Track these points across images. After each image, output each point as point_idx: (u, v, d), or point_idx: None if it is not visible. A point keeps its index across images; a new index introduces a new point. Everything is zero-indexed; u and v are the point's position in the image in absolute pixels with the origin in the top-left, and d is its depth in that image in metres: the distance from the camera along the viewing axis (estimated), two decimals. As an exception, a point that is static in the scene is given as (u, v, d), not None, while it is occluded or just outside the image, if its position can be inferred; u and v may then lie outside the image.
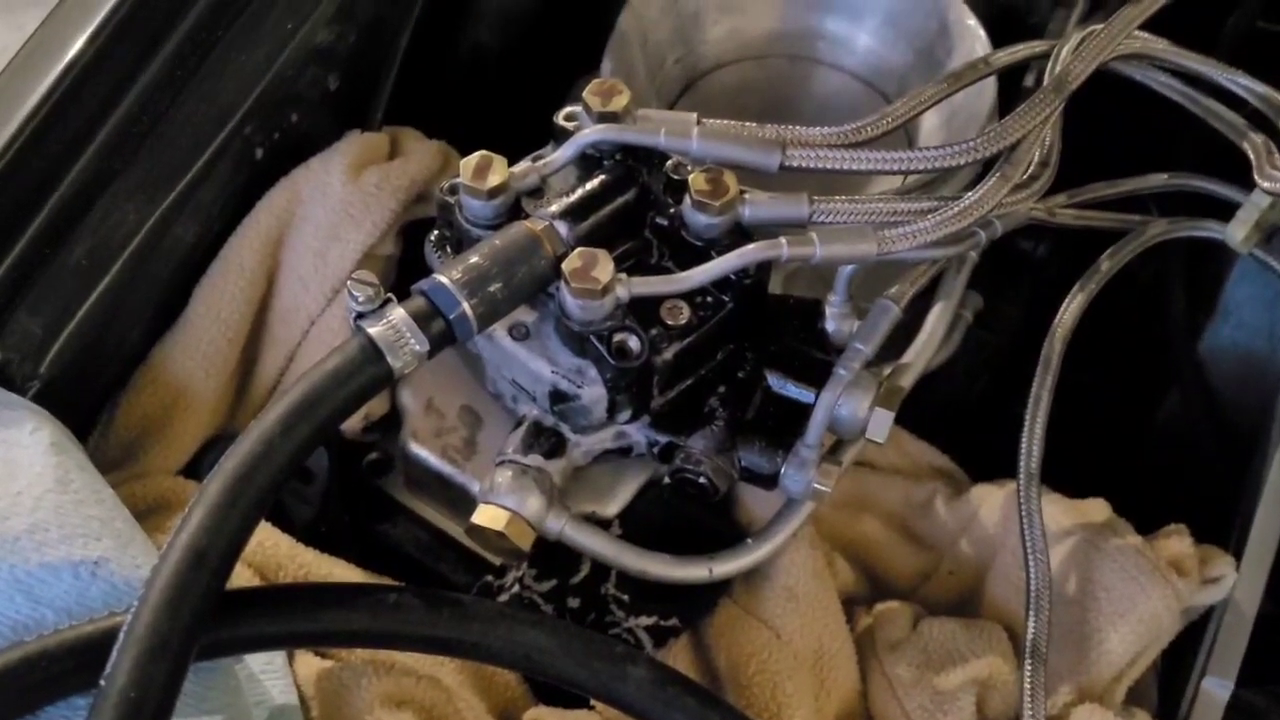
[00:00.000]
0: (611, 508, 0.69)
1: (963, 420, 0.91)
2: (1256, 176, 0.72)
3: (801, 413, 0.66)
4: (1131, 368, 1.02)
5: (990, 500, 0.76)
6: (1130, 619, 0.68)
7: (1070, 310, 0.76)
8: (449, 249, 0.67)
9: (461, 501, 0.70)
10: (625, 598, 0.67)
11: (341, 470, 0.75)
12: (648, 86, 0.90)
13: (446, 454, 0.71)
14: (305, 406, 0.54)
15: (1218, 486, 0.86)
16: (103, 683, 0.48)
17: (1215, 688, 0.69)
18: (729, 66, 0.95)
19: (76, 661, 0.52)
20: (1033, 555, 0.68)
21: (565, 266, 0.60)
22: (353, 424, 0.73)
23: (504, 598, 0.68)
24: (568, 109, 0.70)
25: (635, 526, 0.69)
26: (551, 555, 0.67)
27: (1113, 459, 0.98)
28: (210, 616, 0.51)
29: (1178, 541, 0.71)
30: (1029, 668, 0.65)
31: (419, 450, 0.72)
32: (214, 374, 0.72)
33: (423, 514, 0.76)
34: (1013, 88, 0.84)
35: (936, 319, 0.76)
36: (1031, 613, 0.67)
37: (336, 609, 0.56)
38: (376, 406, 0.73)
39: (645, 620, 0.67)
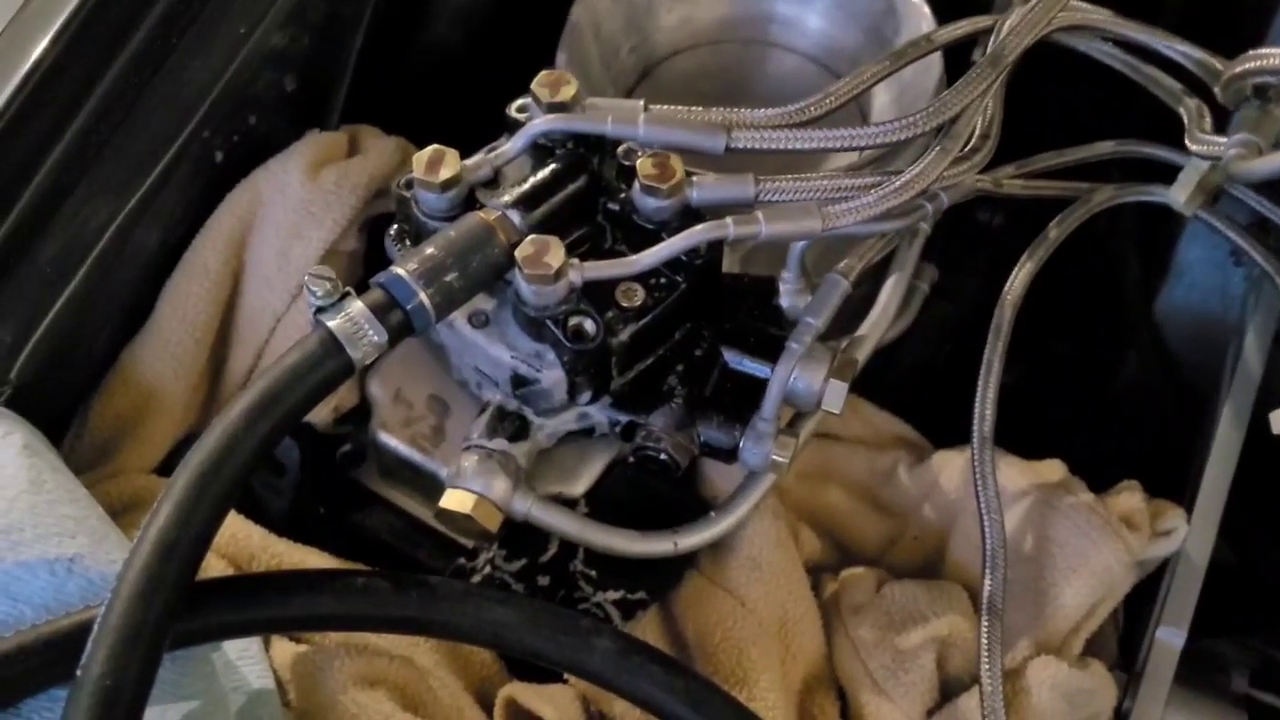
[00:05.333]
0: (578, 488, 0.71)
1: (928, 390, 0.93)
2: (1187, 140, 0.74)
3: (759, 388, 0.68)
4: (1090, 333, 1.04)
5: (951, 466, 0.78)
6: (1083, 573, 0.70)
7: (1020, 278, 0.78)
8: (408, 242, 0.69)
9: (433, 488, 0.72)
10: (593, 573, 0.69)
11: (316, 463, 0.77)
12: (603, 76, 0.91)
13: (415, 442, 0.73)
14: (267, 401, 0.56)
15: (1176, 444, 0.88)
16: (79, 673, 0.49)
17: (1169, 637, 0.71)
18: (683, 54, 0.97)
19: (54, 655, 0.53)
20: (987, 515, 0.70)
21: (518, 254, 0.62)
22: (324, 417, 0.75)
23: (476, 579, 0.70)
24: (519, 101, 0.72)
25: (603, 505, 0.71)
26: (521, 536, 0.69)
27: (1074, 422, 1.00)
28: (182, 606, 0.52)
29: (1129, 497, 0.73)
30: (985, 624, 0.67)
31: (388, 439, 0.73)
32: (183, 374, 0.73)
33: (397, 502, 0.77)
34: (965, 63, 0.85)
35: (891, 291, 0.78)
36: (988, 570, 0.69)
37: (306, 594, 0.58)
38: (346, 398, 0.75)
39: (613, 595, 0.68)
